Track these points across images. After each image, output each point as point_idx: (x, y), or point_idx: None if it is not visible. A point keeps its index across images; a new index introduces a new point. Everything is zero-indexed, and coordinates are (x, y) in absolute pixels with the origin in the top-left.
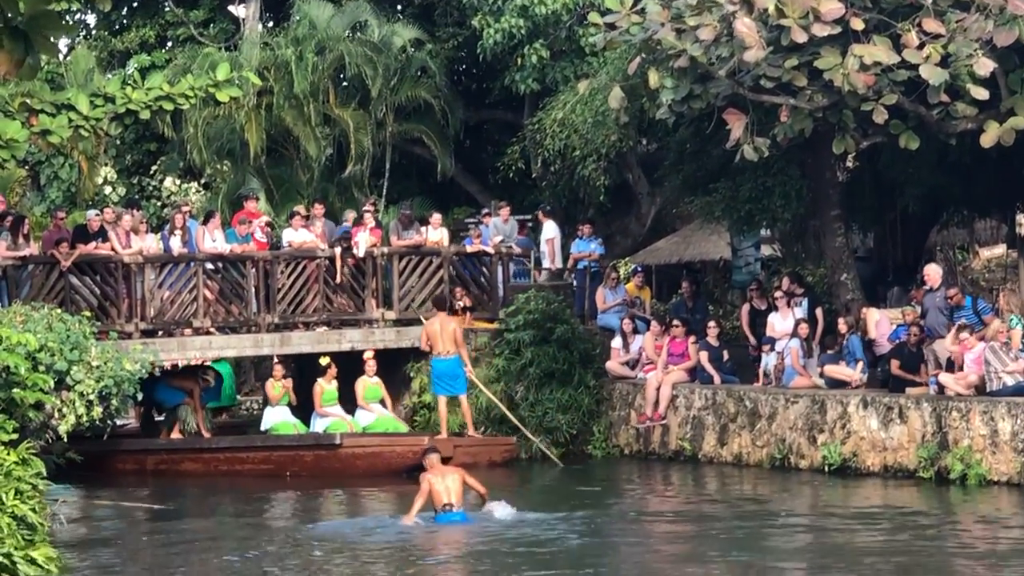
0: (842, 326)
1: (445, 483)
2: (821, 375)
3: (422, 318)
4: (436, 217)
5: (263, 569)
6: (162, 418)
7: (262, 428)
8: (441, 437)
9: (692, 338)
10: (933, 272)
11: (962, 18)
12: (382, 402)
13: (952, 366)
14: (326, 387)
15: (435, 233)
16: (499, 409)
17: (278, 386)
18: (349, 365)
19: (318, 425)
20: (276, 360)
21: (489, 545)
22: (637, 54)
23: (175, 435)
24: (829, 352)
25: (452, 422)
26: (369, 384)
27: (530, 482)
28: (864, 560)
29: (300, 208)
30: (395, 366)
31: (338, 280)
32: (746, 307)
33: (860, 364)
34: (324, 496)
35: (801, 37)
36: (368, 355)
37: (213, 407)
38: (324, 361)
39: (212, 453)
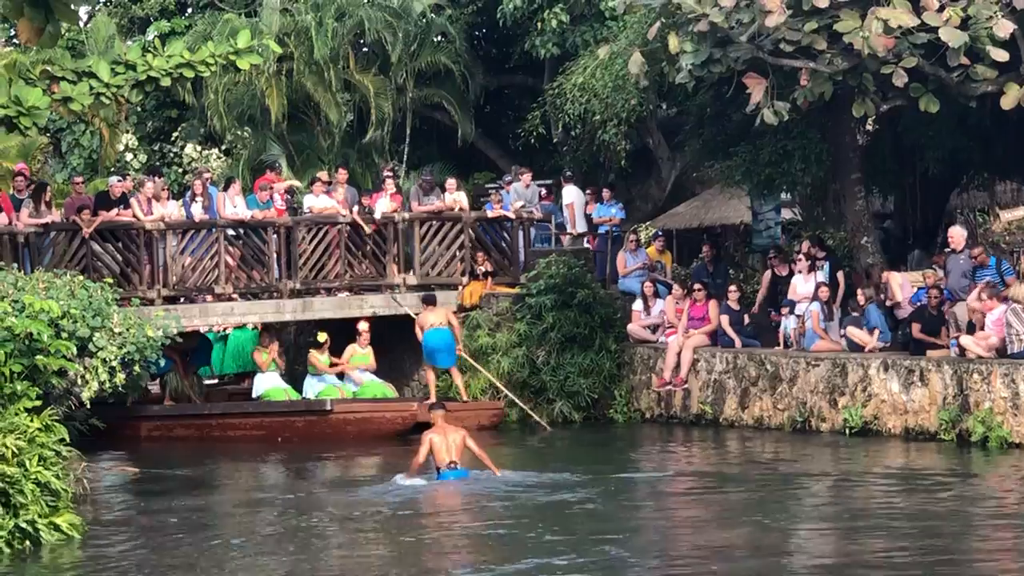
0: (860, 297)
1: (447, 441)
2: (843, 337)
3: (412, 314)
4: (451, 182)
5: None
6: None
7: (254, 395)
8: (430, 402)
9: (713, 302)
10: (957, 234)
11: None
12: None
13: (973, 328)
14: (320, 357)
15: (451, 197)
16: (520, 375)
17: (265, 353)
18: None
19: (309, 391)
20: (261, 327)
21: (505, 507)
22: (657, 18)
23: (168, 402)
24: (853, 314)
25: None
26: (358, 352)
27: (553, 445)
28: (886, 522)
29: (322, 174)
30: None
31: (368, 231)
32: (768, 274)
33: (876, 332)
34: (346, 460)
35: (822, 1)
36: (363, 326)
37: (234, 373)
38: (322, 338)
39: (204, 419)
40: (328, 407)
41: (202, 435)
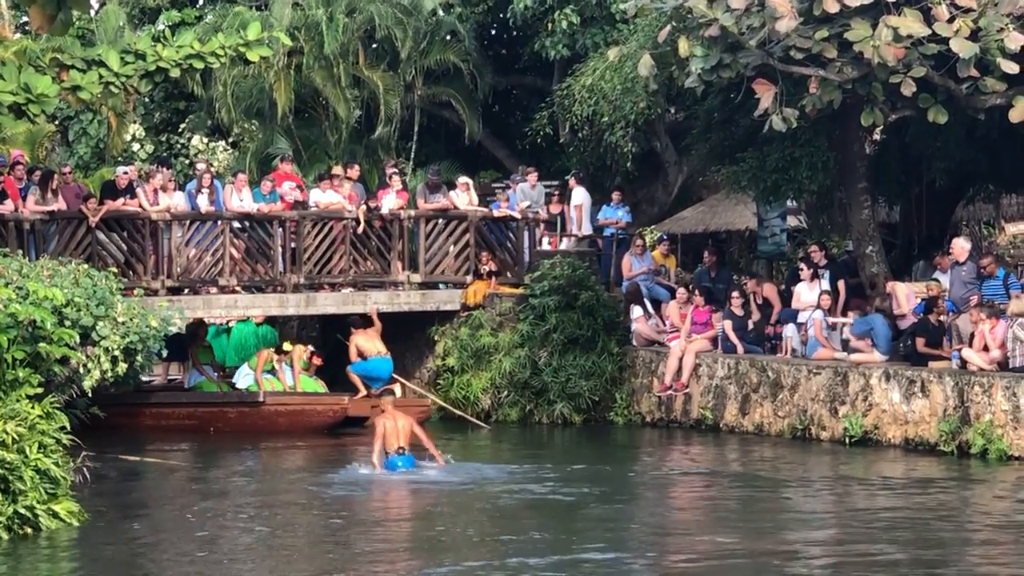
0: (870, 308)
1: (397, 427)
2: (845, 346)
3: (353, 332)
4: (463, 181)
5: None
6: None
7: (186, 385)
8: (360, 397)
9: (710, 307)
10: (960, 246)
11: None
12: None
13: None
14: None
15: (460, 198)
16: (521, 375)
17: (264, 361)
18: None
19: (241, 382)
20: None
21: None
22: (668, 22)
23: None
24: (851, 314)
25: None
26: (304, 356)
27: (550, 445)
28: (882, 530)
29: (338, 169)
30: (419, 329)
31: (360, 230)
32: (771, 287)
33: (875, 352)
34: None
35: (833, 7)
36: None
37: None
38: (287, 347)
39: (138, 407)
40: (261, 399)
41: (134, 424)
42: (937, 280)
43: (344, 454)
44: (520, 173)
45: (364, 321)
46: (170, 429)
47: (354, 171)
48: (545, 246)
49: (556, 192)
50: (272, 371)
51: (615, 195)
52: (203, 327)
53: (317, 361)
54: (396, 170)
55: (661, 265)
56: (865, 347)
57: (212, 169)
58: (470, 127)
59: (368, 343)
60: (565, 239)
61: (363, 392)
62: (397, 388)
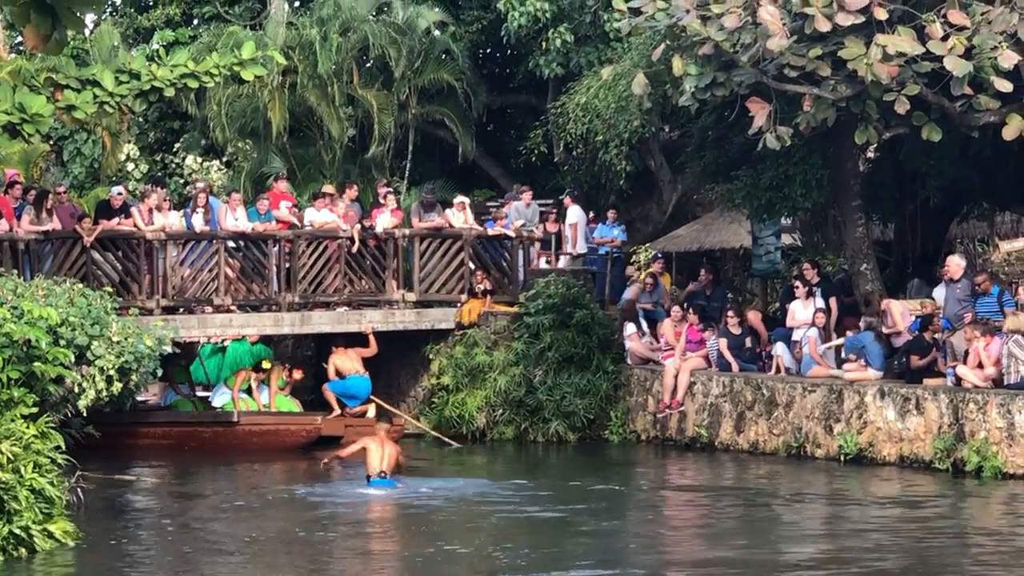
0: (861, 324)
1: (383, 452)
2: (838, 355)
3: (332, 351)
4: (460, 200)
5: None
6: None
7: (162, 404)
8: (333, 416)
9: (701, 324)
10: (955, 263)
11: (987, 10)
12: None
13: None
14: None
15: (457, 217)
16: (516, 393)
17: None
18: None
19: (217, 402)
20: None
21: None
22: (662, 40)
23: None
24: (849, 334)
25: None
26: (282, 375)
27: (545, 463)
28: (875, 548)
29: (328, 188)
30: (414, 348)
31: (354, 249)
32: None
33: (868, 369)
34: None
35: (825, 26)
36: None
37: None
38: (266, 365)
39: (114, 427)
40: (235, 419)
41: (110, 443)
42: (932, 298)
43: (328, 472)
44: (515, 192)
45: (352, 341)
46: (146, 448)
47: (352, 191)
48: (543, 265)
49: (553, 211)
50: (249, 390)
51: (610, 213)
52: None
53: (297, 375)
54: (390, 189)
55: (649, 273)
56: (857, 366)
57: (204, 186)
58: (464, 146)
59: (346, 362)
60: (562, 257)
61: (337, 411)
62: (371, 408)
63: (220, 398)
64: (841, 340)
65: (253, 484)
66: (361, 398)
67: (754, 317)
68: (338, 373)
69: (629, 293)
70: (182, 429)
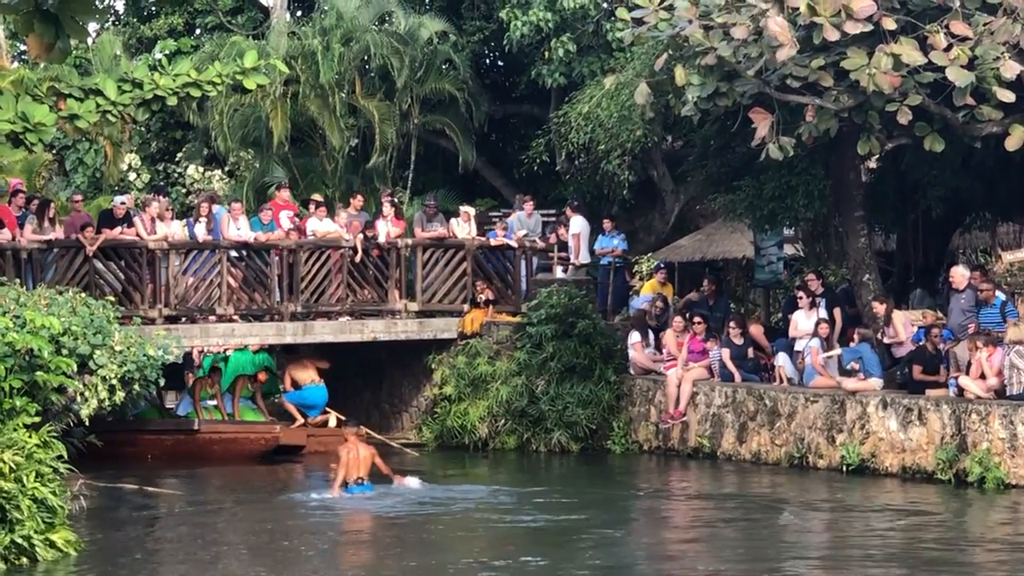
0: (856, 337)
1: (359, 456)
2: (841, 366)
3: (288, 363)
4: (465, 210)
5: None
6: None
7: (131, 415)
8: (296, 426)
9: (703, 335)
10: (959, 274)
11: (989, 21)
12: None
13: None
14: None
15: (461, 228)
16: (519, 403)
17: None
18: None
19: (181, 410)
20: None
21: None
22: (664, 50)
23: None
24: (850, 346)
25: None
26: (247, 384)
27: (548, 473)
28: (878, 557)
29: (317, 196)
30: (416, 357)
31: (358, 259)
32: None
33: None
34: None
35: (833, 35)
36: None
37: None
38: (263, 377)
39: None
40: (196, 427)
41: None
42: (934, 308)
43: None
44: (517, 202)
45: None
46: (110, 456)
47: (357, 201)
48: (559, 274)
49: (562, 222)
50: (212, 398)
51: (606, 223)
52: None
53: (262, 377)
54: (391, 199)
55: (658, 293)
56: (857, 379)
57: (209, 195)
58: (464, 155)
59: (302, 373)
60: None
61: (299, 420)
62: (332, 417)
63: (184, 407)
64: (838, 350)
65: (253, 489)
66: (319, 407)
67: (756, 331)
68: (295, 384)
69: (641, 303)
70: (145, 437)
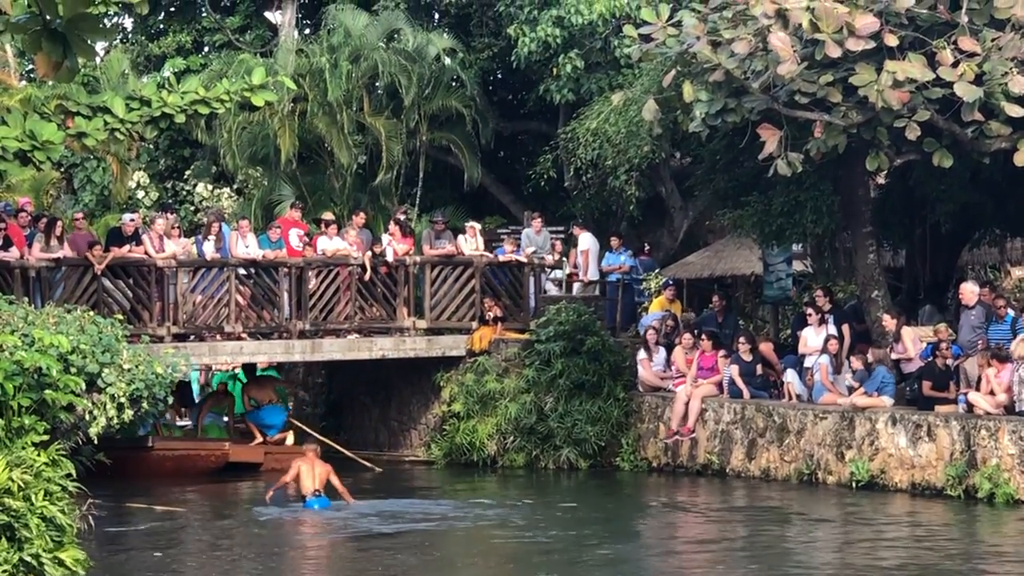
0: (870, 356)
1: (314, 472)
2: (850, 391)
3: (245, 383)
4: (471, 225)
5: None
6: None
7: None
8: (255, 444)
9: (721, 352)
10: (968, 290)
11: (997, 36)
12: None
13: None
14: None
15: (468, 243)
16: (527, 421)
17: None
18: None
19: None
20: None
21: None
22: (672, 67)
23: None
24: (860, 369)
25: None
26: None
27: (556, 490)
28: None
29: (328, 215)
30: (425, 375)
31: (366, 277)
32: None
33: (884, 399)
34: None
35: (835, 52)
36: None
37: (242, 412)
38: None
39: None
40: (149, 443)
41: None
42: (945, 322)
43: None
44: (525, 219)
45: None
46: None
47: (360, 218)
48: (575, 287)
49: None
50: (224, 414)
51: (613, 241)
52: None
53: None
54: (405, 216)
55: (666, 310)
56: (873, 397)
57: (218, 213)
58: (470, 173)
59: (261, 393)
60: (576, 284)
61: (259, 439)
62: (290, 436)
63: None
64: (858, 383)
65: (251, 503)
66: (277, 426)
67: (766, 348)
68: (254, 403)
69: (650, 321)
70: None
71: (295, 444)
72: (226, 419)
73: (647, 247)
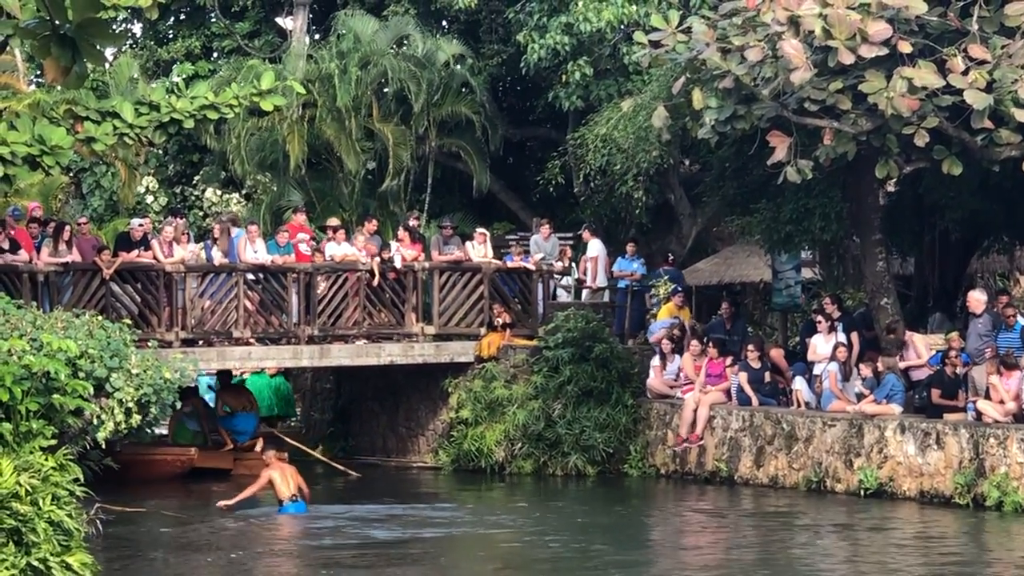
0: (879, 364)
1: (286, 477)
2: (859, 398)
3: (219, 390)
4: (480, 232)
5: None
6: None
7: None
8: (225, 450)
9: (729, 359)
10: (976, 298)
11: (1007, 44)
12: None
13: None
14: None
15: (477, 250)
16: (535, 427)
17: None
18: None
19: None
20: None
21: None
22: (682, 73)
23: None
24: (870, 376)
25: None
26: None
27: (564, 497)
28: None
29: (333, 221)
30: (434, 381)
31: (375, 283)
32: (779, 352)
33: (893, 406)
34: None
35: (848, 59)
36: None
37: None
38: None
39: None
40: (116, 448)
41: None
42: (957, 330)
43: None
44: (534, 225)
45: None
46: None
47: (372, 224)
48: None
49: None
50: (244, 409)
51: (629, 247)
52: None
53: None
54: (416, 222)
55: (675, 317)
56: (883, 405)
57: (228, 217)
58: (478, 179)
59: (234, 400)
60: (584, 290)
61: (229, 445)
62: (260, 443)
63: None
64: (868, 390)
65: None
66: (248, 433)
67: (776, 354)
68: (227, 410)
69: (659, 328)
70: None
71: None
72: (198, 425)
73: (671, 257)
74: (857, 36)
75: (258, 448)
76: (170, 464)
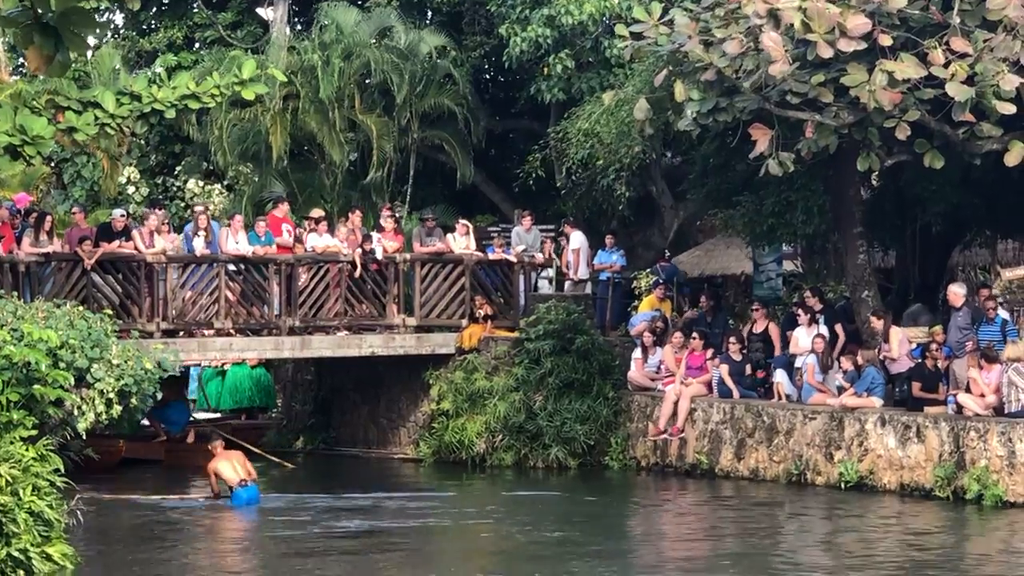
0: (860, 359)
1: (232, 464)
2: (840, 391)
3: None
4: (463, 223)
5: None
6: None
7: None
8: (155, 441)
9: (710, 352)
10: (955, 292)
11: (989, 38)
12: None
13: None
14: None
15: (459, 241)
16: (516, 419)
17: None
18: None
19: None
20: None
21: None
22: (664, 66)
23: None
24: (850, 369)
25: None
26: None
27: (544, 488)
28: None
29: (316, 212)
30: (414, 372)
31: (356, 274)
32: (776, 328)
33: (874, 399)
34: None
35: (827, 52)
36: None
37: (230, 409)
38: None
39: None
40: None
41: None
42: (939, 323)
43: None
44: (516, 217)
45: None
46: None
47: (356, 216)
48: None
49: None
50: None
51: (608, 239)
52: None
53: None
54: (391, 213)
55: (656, 309)
56: (863, 398)
57: (209, 212)
58: (462, 171)
59: (165, 388)
60: (566, 282)
61: (162, 436)
62: (191, 434)
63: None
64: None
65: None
66: (180, 424)
67: (774, 331)
68: (160, 400)
69: (640, 320)
70: None
71: (194, 442)
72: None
73: (667, 254)
74: (836, 30)
75: (191, 439)
76: (100, 455)
